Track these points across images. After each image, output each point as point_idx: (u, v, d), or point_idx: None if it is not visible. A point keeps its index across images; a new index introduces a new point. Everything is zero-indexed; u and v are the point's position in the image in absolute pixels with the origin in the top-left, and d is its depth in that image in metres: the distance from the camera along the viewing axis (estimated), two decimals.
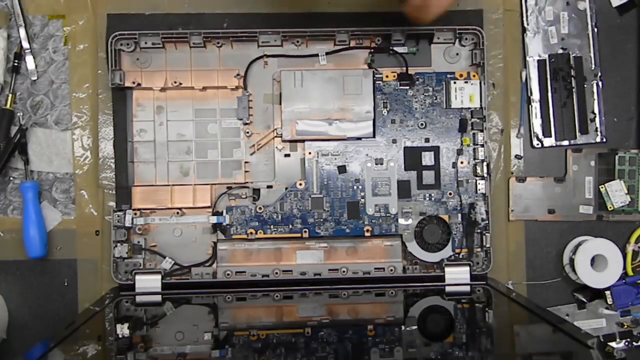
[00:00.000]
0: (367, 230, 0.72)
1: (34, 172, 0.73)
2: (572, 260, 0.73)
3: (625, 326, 0.74)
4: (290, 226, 0.72)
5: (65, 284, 0.73)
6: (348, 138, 0.72)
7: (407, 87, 0.73)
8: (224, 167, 0.73)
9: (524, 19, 0.75)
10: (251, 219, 0.72)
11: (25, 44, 0.73)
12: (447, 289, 0.70)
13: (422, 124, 0.73)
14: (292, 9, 0.74)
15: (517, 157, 0.75)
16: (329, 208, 0.72)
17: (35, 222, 0.71)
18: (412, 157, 0.73)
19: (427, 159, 0.73)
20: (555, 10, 0.75)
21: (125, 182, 0.72)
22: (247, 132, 0.73)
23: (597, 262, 0.73)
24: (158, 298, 0.70)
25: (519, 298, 0.65)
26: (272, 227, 0.72)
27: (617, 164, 0.74)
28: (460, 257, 0.72)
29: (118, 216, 0.71)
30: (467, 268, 0.71)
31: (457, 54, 0.74)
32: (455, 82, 0.72)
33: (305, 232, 0.72)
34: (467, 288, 0.70)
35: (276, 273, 0.71)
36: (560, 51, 0.75)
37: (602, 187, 0.74)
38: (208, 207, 0.72)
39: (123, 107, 0.73)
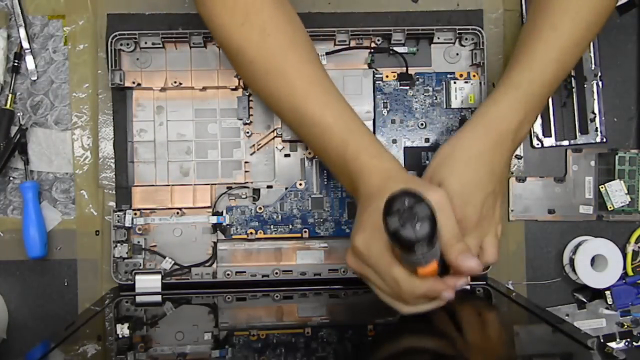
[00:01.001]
0: None
1: (34, 172, 0.73)
2: (572, 260, 0.73)
3: (625, 326, 0.74)
4: (290, 226, 0.72)
5: (65, 284, 0.73)
6: None
7: (407, 87, 0.73)
8: (224, 167, 0.73)
9: (524, 19, 0.75)
10: (251, 219, 0.72)
11: (25, 44, 0.73)
12: None
13: (422, 124, 0.73)
14: None
15: (517, 157, 0.75)
16: (329, 208, 0.72)
17: (35, 222, 0.71)
18: (412, 157, 0.73)
19: (428, 159, 0.73)
20: None
21: (125, 182, 0.72)
22: (247, 132, 0.73)
23: (597, 262, 0.73)
24: (158, 298, 0.70)
25: (519, 298, 0.65)
26: (272, 227, 0.72)
27: (617, 164, 0.74)
28: None
29: (118, 216, 0.71)
30: None
31: (457, 54, 0.74)
32: (455, 82, 0.72)
33: (305, 232, 0.72)
34: (467, 288, 0.70)
35: (276, 273, 0.71)
36: None
37: (602, 187, 0.74)
38: (208, 207, 0.72)
39: (123, 107, 0.73)
